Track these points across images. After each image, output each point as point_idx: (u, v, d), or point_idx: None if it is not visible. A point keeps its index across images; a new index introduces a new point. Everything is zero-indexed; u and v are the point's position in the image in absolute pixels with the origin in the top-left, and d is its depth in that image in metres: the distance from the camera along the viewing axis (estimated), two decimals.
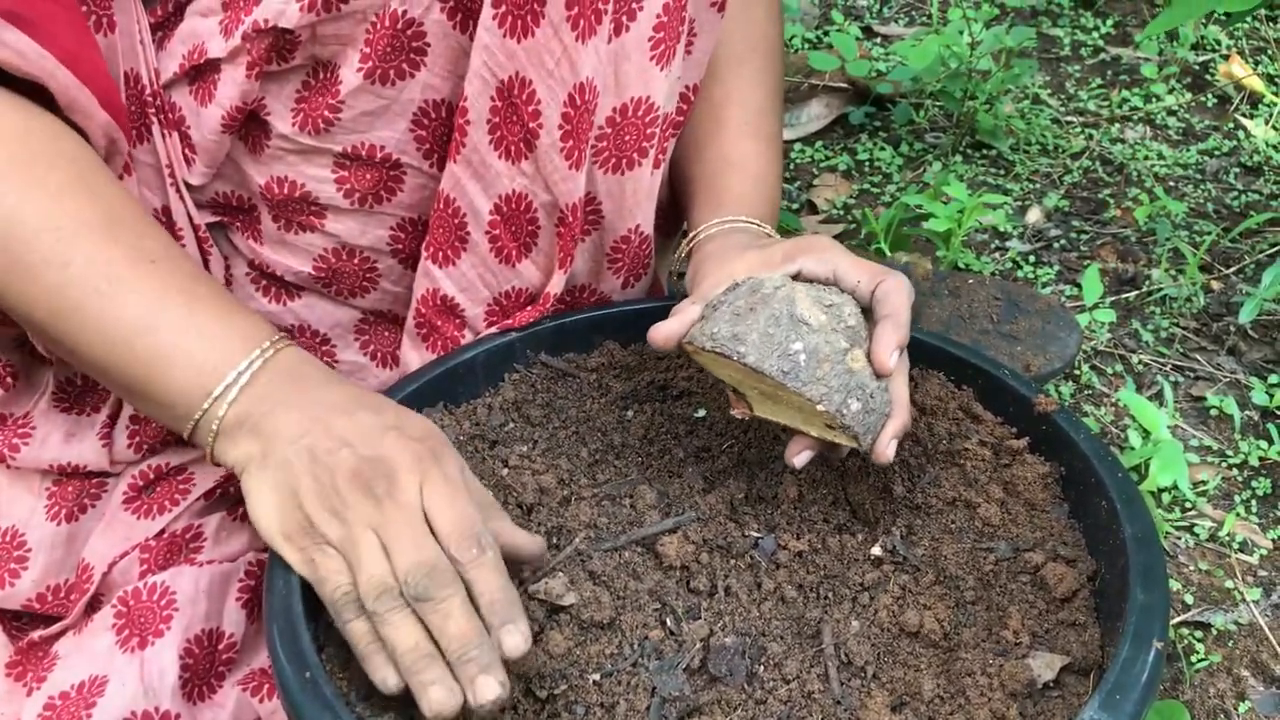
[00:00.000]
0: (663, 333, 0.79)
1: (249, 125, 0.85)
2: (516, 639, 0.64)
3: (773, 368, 0.73)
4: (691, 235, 0.91)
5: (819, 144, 1.69)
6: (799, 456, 0.79)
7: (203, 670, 0.81)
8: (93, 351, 0.74)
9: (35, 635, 0.84)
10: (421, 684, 0.62)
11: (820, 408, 0.73)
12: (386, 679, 0.64)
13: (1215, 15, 1.98)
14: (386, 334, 0.96)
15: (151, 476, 0.87)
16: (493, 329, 0.92)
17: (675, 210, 1.01)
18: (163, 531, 0.85)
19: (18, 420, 0.86)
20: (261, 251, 0.90)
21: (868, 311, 0.80)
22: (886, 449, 0.76)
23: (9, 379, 0.85)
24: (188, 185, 0.86)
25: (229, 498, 0.88)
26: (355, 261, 0.91)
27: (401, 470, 0.68)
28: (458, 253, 0.87)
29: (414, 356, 0.92)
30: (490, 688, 0.62)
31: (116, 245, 0.73)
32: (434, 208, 0.86)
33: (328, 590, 0.66)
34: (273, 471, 0.70)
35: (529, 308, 0.91)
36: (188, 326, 0.73)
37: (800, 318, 0.74)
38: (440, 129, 0.85)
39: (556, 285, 0.88)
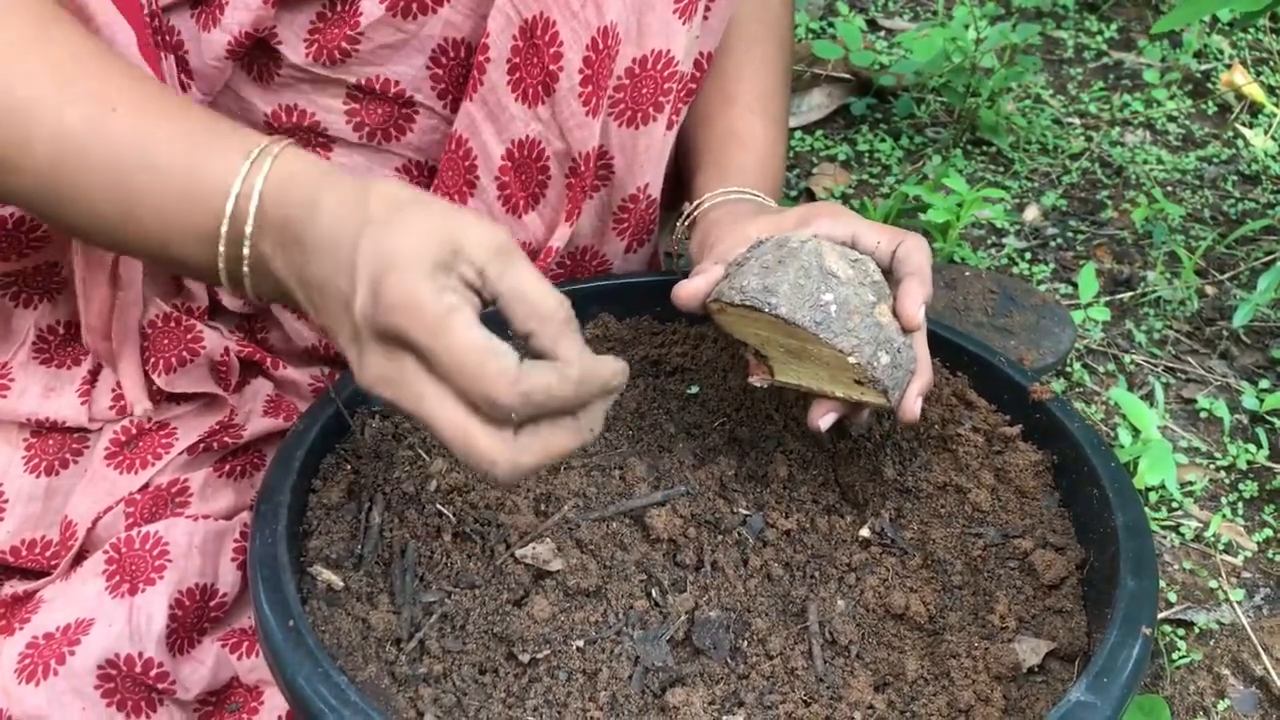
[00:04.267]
0: (687, 290, 0.78)
1: (256, 54, 0.83)
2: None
3: (805, 318, 0.72)
4: (695, 203, 0.90)
5: (819, 133, 1.69)
6: (824, 419, 0.77)
7: (190, 624, 0.81)
8: (93, 231, 0.68)
9: (20, 590, 0.83)
10: None
11: (852, 360, 0.72)
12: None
13: (1220, 24, 1.98)
14: None
15: (134, 432, 0.86)
16: None
17: (676, 185, 1.01)
18: (147, 485, 0.84)
19: None
20: None
21: (886, 273, 0.79)
22: (913, 405, 0.76)
23: None
24: None
25: (213, 452, 0.87)
26: None
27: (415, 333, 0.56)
28: (465, 198, 0.86)
29: None
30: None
31: (74, 107, 0.65)
32: (445, 149, 0.85)
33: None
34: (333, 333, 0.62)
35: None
36: (156, 188, 0.64)
37: (829, 270, 0.73)
38: (457, 70, 0.84)
39: (560, 238, 0.88)
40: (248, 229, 0.63)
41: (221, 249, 0.64)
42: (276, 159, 0.63)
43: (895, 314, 0.76)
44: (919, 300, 0.75)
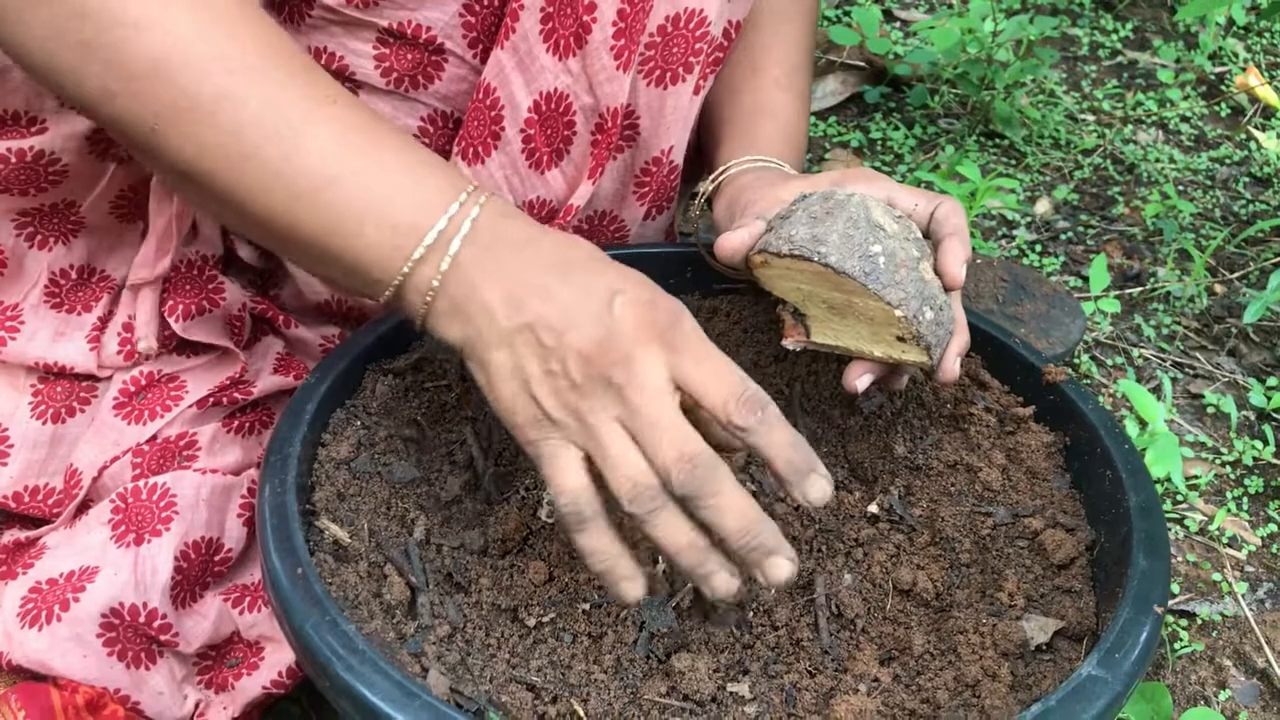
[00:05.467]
0: (731, 243, 0.77)
1: None
2: (823, 486, 0.62)
3: (854, 268, 0.71)
4: (722, 169, 0.90)
5: (832, 119, 1.68)
6: (860, 379, 0.77)
7: (194, 577, 0.80)
8: (271, 206, 0.65)
9: (22, 536, 0.83)
10: (703, 576, 0.61)
11: (899, 313, 0.72)
12: (628, 592, 0.61)
13: (1235, 27, 1.98)
14: None
15: (143, 383, 0.85)
16: None
17: (693, 161, 1.00)
18: (154, 437, 0.84)
19: (6, 310, 0.84)
20: None
21: (924, 235, 0.79)
22: (953, 365, 0.75)
23: None
24: None
25: (223, 407, 0.87)
26: None
27: (639, 348, 0.61)
28: (489, 149, 0.86)
29: None
30: (782, 568, 0.60)
31: (292, 83, 0.65)
32: (472, 98, 0.85)
33: (560, 500, 0.61)
34: (499, 353, 0.63)
35: (549, 224, 0.89)
36: (377, 178, 0.65)
37: (877, 223, 0.73)
38: (490, 19, 0.83)
39: (582, 197, 0.87)
40: (427, 299, 0.64)
41: (395, 283, 0.65)
42: (470, 219, 0.65)
43: (936, 273, 0.75)
44: (961, 259, 0.75)
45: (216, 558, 0.82)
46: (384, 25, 0.82)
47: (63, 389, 0.85)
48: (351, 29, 0.82)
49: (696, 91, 0.87)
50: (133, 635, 0.77)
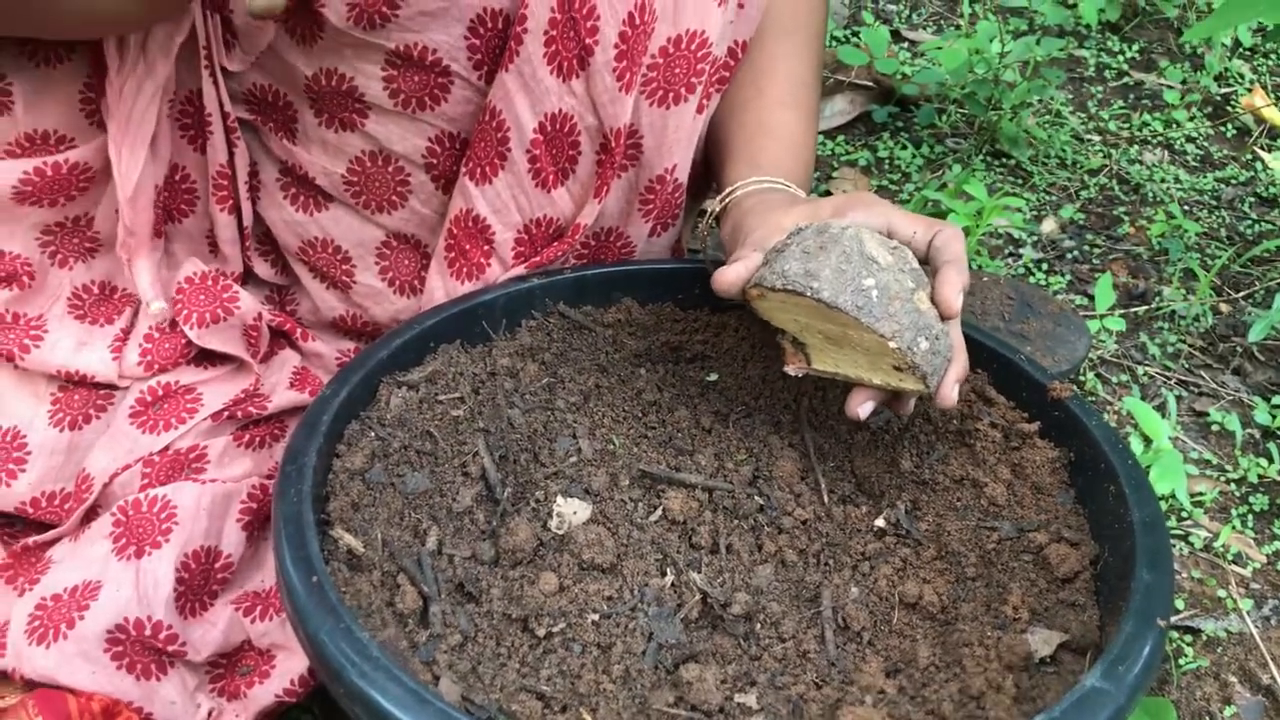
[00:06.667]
0: (727, 278, 0.78)
1: (299, 17, 0.84)
2: None
3: (847, 303, 0.72)
4: (728, 191, 0.91)
5: (840, 138, 1.70)
6: (862, 407, 0.78)
7: (197, 586, 0.81)
8: None
9: (30, 541, 0.84)
10: None
11: (892, 345, 0.73)
12: None
13: (1241, 48, 1.99)
14: (407, 262, 0.96)
15: (160, 393, 0.86)
16: (517, 269, 0.91)
17: (700, 178, 1.01)
18: (167, 448, 0.85)
19: (30, 321, 0.86)
20: (295, 151, 0.89)
21: (922, 262, 0.79)
22: (950, 392, 0.76)
23: (25, 278, 0.85)
24: (225, 71, 0.86)
25: (236, 420, 0.88)
26: (389, 170, 0.90)
27: None
28: (495, 170, 0.87)
29: (439, 284, 0.92)
30: None
31: None
32: (479, 120, 0.86)
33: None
34: None
35: (556, 243, 0.91)
36: None
37: (870, 256, 0.74)
38: (495, 41, 0.85)
39: (588, 215, 0.89)
40: None
41: None
42: None
43: (933, 301, 0.76)
44: (958, 288, 0.76)
45: (217, 565, 0.83)
46: (391, 47, 0.83)
47: (80, 397, 0.86)
48: (360, 51, 0.84)
49: (700, 111, 0.89)
50: (140, 648, 0.78)
